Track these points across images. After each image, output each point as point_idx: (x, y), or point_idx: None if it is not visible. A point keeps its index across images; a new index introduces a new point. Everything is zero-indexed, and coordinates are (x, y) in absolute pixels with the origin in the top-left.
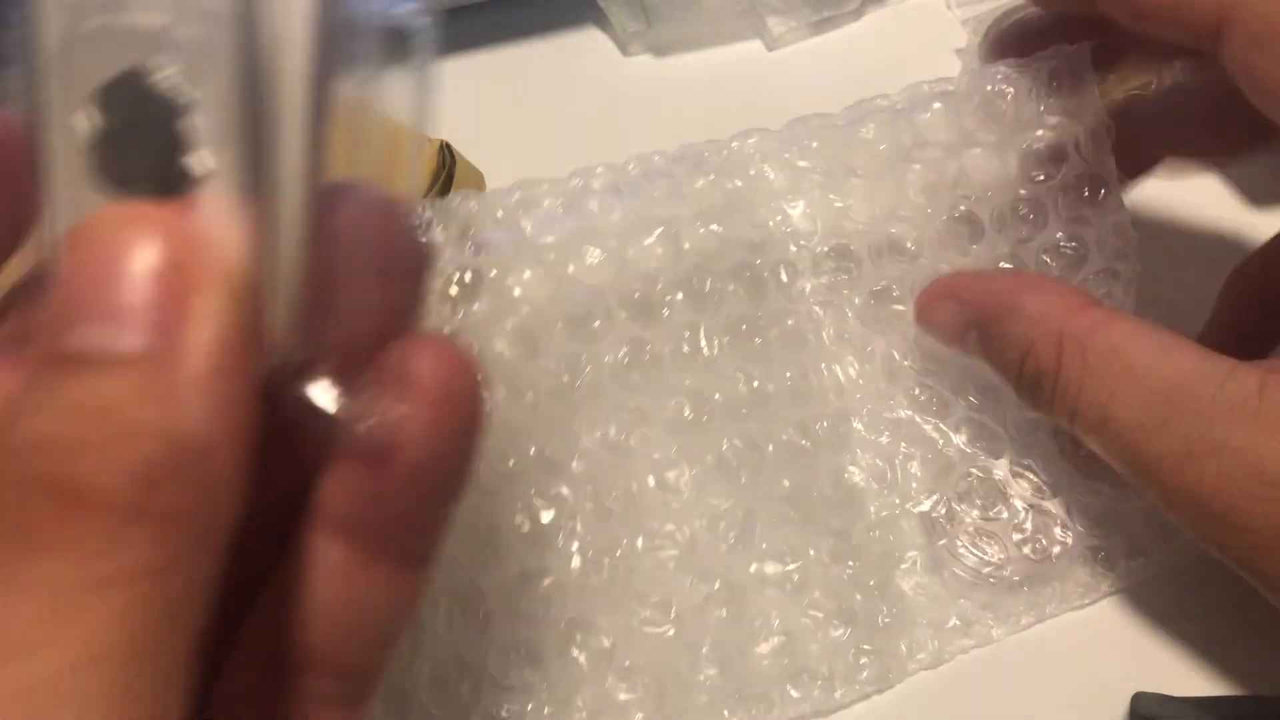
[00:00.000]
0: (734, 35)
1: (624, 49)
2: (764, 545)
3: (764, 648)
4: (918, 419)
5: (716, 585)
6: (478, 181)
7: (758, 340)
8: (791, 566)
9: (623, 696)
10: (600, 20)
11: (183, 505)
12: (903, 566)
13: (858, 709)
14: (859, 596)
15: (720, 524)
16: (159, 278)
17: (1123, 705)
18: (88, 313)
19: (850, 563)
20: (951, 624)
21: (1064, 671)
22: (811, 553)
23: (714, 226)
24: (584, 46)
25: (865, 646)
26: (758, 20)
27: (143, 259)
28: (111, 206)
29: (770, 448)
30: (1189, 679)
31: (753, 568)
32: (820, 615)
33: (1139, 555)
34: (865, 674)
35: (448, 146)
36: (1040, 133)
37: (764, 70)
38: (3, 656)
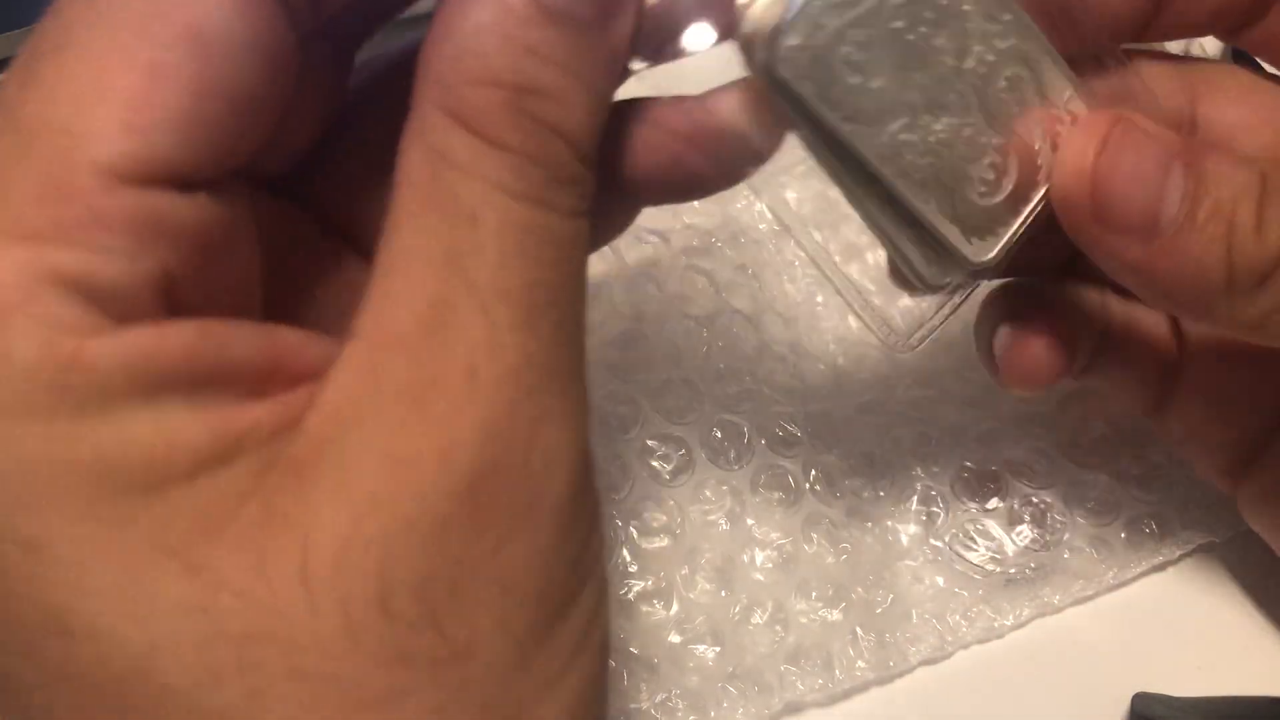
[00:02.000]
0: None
1: None
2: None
3: (760, 628)
4: (911, 414)
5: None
6: None
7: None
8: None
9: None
10: None
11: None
12: (903, 561)
13: (859, 705)
14: (859, 589)
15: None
16: None
17: (1123, 705)
18: None
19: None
20: (952, 617)
21: (1064, 671)
22: (806, 547)
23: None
24: None
25: (861, 632)
26: None
27: None
28: None
29: (763, 441)
30: (1189, 679)
31: (744, 558)
32: (818, 603)
33: (1141, 545)
34: (863, 662)
35: None
36: None
37: None
38: (559, 259)
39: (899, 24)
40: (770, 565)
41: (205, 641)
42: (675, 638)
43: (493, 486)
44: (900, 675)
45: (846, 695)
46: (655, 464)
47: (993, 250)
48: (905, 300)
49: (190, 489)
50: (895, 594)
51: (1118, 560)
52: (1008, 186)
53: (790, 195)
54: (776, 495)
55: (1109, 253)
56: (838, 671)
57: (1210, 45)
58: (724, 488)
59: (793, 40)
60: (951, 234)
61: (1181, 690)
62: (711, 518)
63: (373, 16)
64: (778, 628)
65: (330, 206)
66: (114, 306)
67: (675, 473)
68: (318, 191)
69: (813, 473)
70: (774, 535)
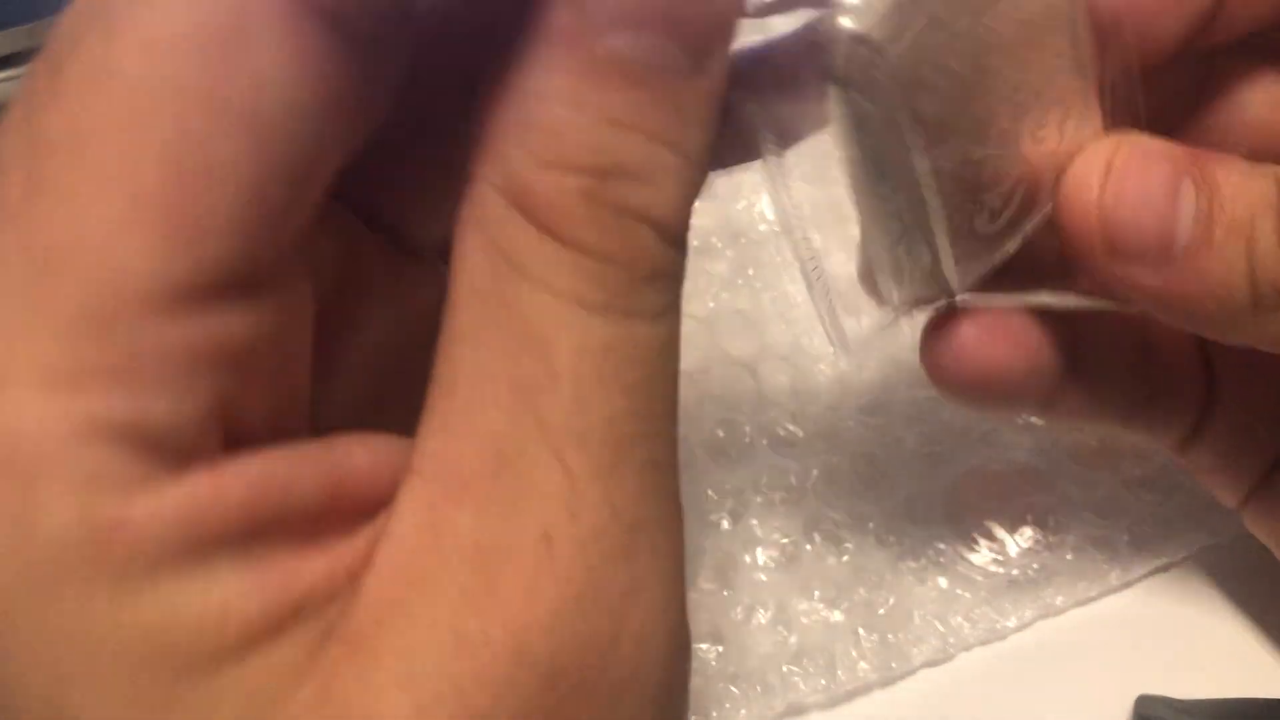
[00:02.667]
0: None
1: None
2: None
3: (762, 628)
4: (913, 415)
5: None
6: None
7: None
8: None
9: None
10: None
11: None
12: (905, 562)
13: (861, 707)
14: (862, 590)
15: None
16: None
17: (1126, 707)
18: (636, 8)
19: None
20: (954, 618)
21: (1067, 673)
22: (808, 548)
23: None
24: None
25: (864, 633)
26: (758, 19)
27: None
28: None
29: (765, 441)
30: (1193, 681)
31: (746, 558)
32: (821, 604)
33: (1144, 546)
34: (865, 663)
35: None
36: None
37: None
38: (649, 380)
39: (974, 50)
40: (772, 565)
41: None
42: None
43: (575, 676)
44: (903, 677)
45: (849, 697)
46: None
47: (972, 276)
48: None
49: (241, 668)
50: (897, 595)
51: (1121, 561)
52: (1006, 217)
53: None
54: (778, 495)
55: (1125, 283)
56: (840, 673)
57: None
58: (726, 487)
59: (900, 47)
60: (946, 257)
61: (1185, 692)
62: (713, 517)
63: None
64: (780, 628)
65: (380, 204)
66: (165, 448)
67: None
68: (368, 189)
69: (814, 473)
70: (776, 535)
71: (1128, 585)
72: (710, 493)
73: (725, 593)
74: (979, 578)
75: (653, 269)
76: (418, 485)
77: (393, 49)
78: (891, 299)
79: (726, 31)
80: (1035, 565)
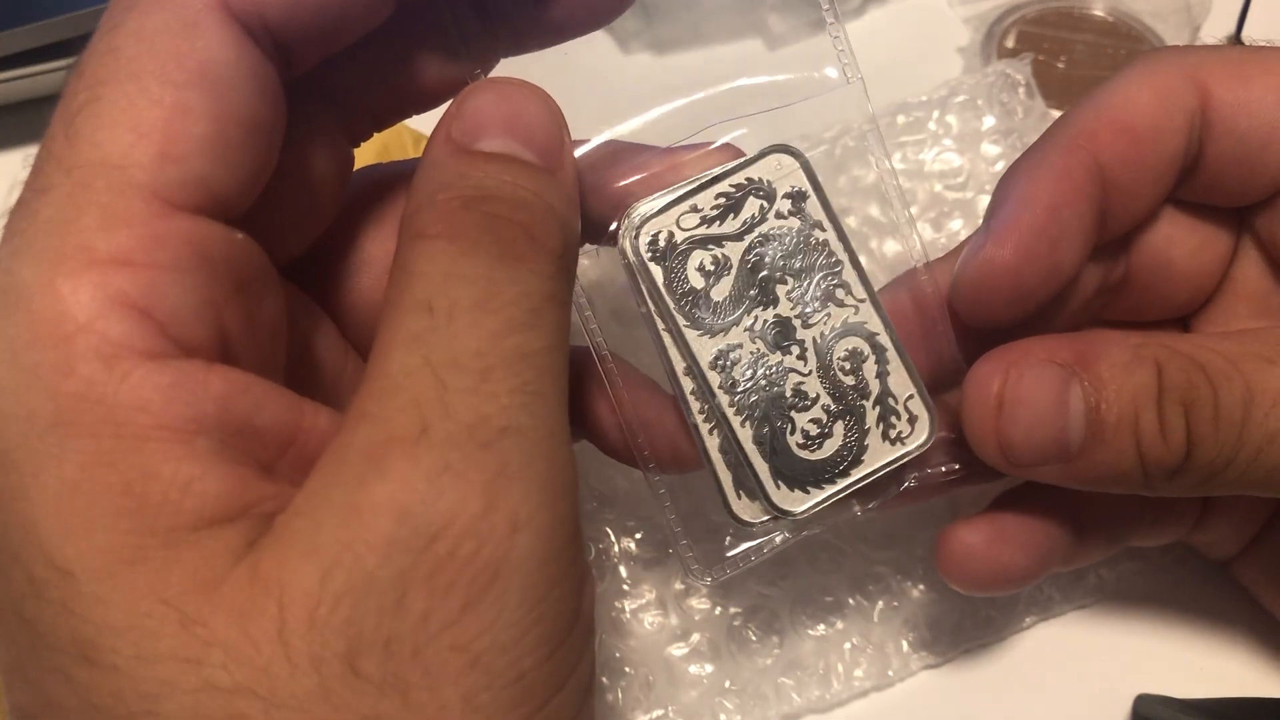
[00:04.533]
0: (734, 33)
1: (624, 46)
2: None
3: (757, 640)
4: None
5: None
6: None
7: None
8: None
9: (609, 697)
10: None
11: (574, 264)
12: (902, 567)
13: (860, 707)
14: (858, 597)
15: None
16: (552, 121)
17: (1125, 707)
18: (495, 128)
19: (846, 562)
20: (952, 621)
21: (1066, 673)
22: (804, 559)
23: None
24: (583, 44)
25: (860, 641)
26: (758, 18)
27: (542, 107)
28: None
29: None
30: (1192, 680)
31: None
32: (816, 613)
33: (1138, 553)
34: (860, 671)
35: None
36: None
37: (765, 68)
38: (512, 328)
39: (757, 263)
40: (767, 577)
41: (198, 691)
42: (672, 653)
43: (451, 544)
44: (900, 681)
45: (845, 702)
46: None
47: (801, 507)
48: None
49: (193, 541)
50: (895, 602)
51: (1120, 568)
52: (829, 450)
53: None
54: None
55: (1036, 479)
56: (835, 683)
57: (1212, 40)
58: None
59: (653, 228)
60: (761, 469)
61: (1184, 691)
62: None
63: (358, 107)
64: (774, 639)
65: (334, 295)
66: (172, 327)
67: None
68: (317, 283)
69: None
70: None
71: (1128, 586)
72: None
73: (718, 609)
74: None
75: (516, 253)
76: (339, 433)
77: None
78: (732, 519)
79: (561, 152)
80: None
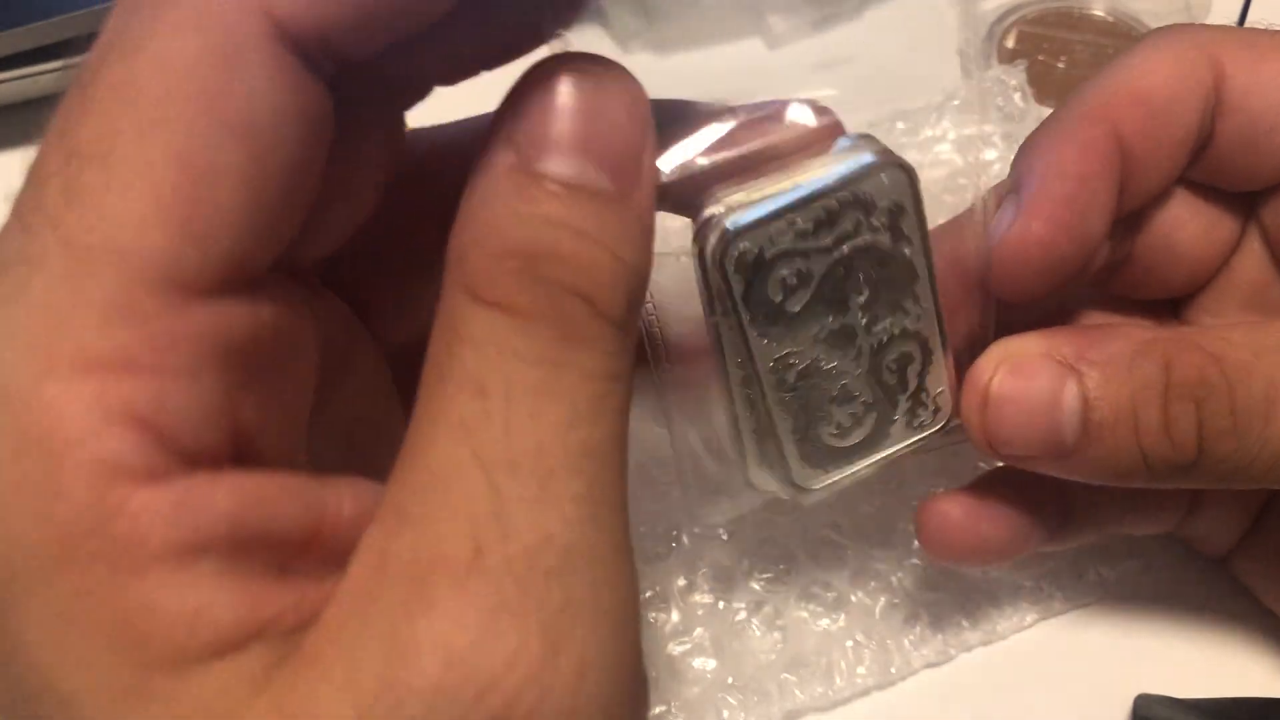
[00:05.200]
0: (735, 33)
1: (624, 46)
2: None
3: (759, 636)
4: None
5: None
6: None
7: None
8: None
9: None
10: (600, 17)
11: (636, 326)
12: (905, 564)
13: (862, 707)
14: (860, 594)
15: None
16: (633, 126)
17: (1125, 707)
18: (563, 145)
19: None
20: (954, 620)
21: (1066, 673)
22: (807, 555)
23: None
24: (583, 43)
25: (863, 639)
26: (759, 18)
27: (622, 105)
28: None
29: None
30: (1192, 680)
31: (744, 565)
32: (819, 610)
33: (1139, 552)
34: (863, 668)
35: None
36: None
37: (765, 68)
38: (575, 419)
39: (839, 275)
40: (769, 574)
41: None
42: (674, 649)
43: (509, 695)
44: (902, 679)
45: (848, 700)
46: (653, 473)
47: (819, 483)
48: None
49: (206, 673)
50: (897, 599)
51: (1120, 568)
52: (856, 438)
53: None
54: (774, 504)
55: (1034, 470)
56: (838, 679)
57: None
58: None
59: (745, 243)
60: (790, 453)
61: (1184, 691)
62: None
63: (410, 82)
64: (777, 635)
65: (371, 296)
66: (178, 440)
67: (670, 483)
68: (359, 279)
69: None
70: (770, 546)
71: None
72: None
73: (721, 604)
74: (979, 577)
75: (580, 334)
76: (374, 528)
77: (362, 86)
78: (746, 478)
79: (639, 167)
80: (1036, 568)
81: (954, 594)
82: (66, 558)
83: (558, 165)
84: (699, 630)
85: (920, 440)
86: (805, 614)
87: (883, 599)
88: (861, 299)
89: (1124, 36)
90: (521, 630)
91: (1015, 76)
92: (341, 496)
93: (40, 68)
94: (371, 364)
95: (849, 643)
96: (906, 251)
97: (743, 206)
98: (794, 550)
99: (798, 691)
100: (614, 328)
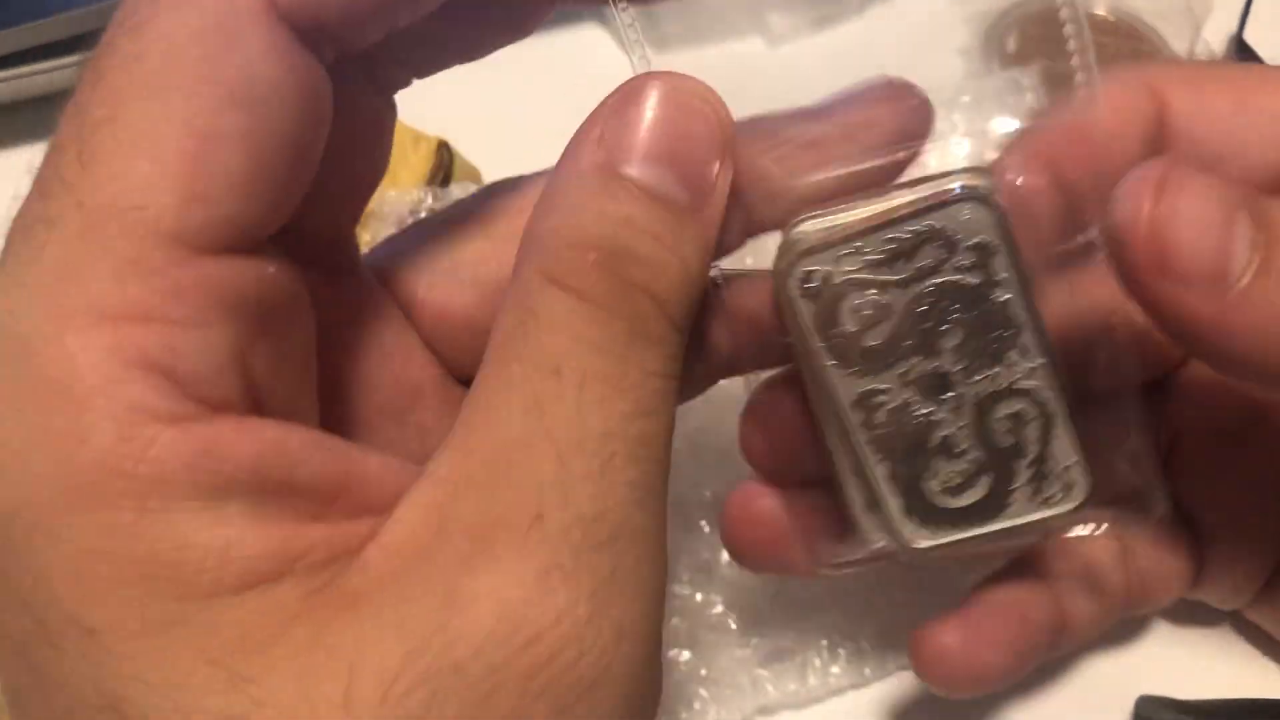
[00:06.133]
0: (735, 31)
1: (625, 46)
2: None
3: (735, 632)
4: None
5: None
6: (475, 179)
7: None
8: None
9: None
10: (600, 17)
11: (689, 331)
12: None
13: (859, 705)
14: (839, 594)
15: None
16: (711, 145)
17: (1127, 708)
18: (648, 154)
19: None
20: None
21: (1066, 674)
22: None
23: None
24: (584, 43)
25: (839, 638)
26: (759, 17)
27: (705, 124)
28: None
29: None
30: (1193, 682)
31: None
32: (796, 607)
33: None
34: (837, 668)
35: (446, 145)
36: None
37: (765, 67)
38: (639, 411)
39: (922, 309)
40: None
41: None
42: None
43: (552, 648)
44: (878, 679)
45: (821, 699)
46: None
47: (929, 543)
48: None
49: (238, 603)
50: (875, 600)
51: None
52: (968, 499)
53: None
54: None
55: (1178, 312)
56: (812, 678)
57: (1214, 42)
58: (706, 493)
59: (810, 265)
60: (892, 505)
61: (1184, 692)
62: (694, 520)
63: (406, 59)
64: (753, 631)
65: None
66: (191, 387)
67: None
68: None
69: None
70: None
71: None
72: (691, 495)
73: (699, 595)
74: (965, 583)
75: (648, 332)
76: (426, 485)
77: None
78: (854, 530)
79: (712, 185)
80: None
81: (931, 600)
82: (93, 496)
83: (641, 171)
84: (675, 620)
85: (1049, 518)
86: (782, 611)
87: (859, 600)
88: (953, 343)
89: (1125, 36)
90: (571, 592)
91: (1028, 76)
92: (367, 456)
93: (40, 66)
94: (409, 358)
95: (824, 641)
96: (1002, 296)
97: (818, 232)
98: None
99: (771, 687)
100: (675, 331)
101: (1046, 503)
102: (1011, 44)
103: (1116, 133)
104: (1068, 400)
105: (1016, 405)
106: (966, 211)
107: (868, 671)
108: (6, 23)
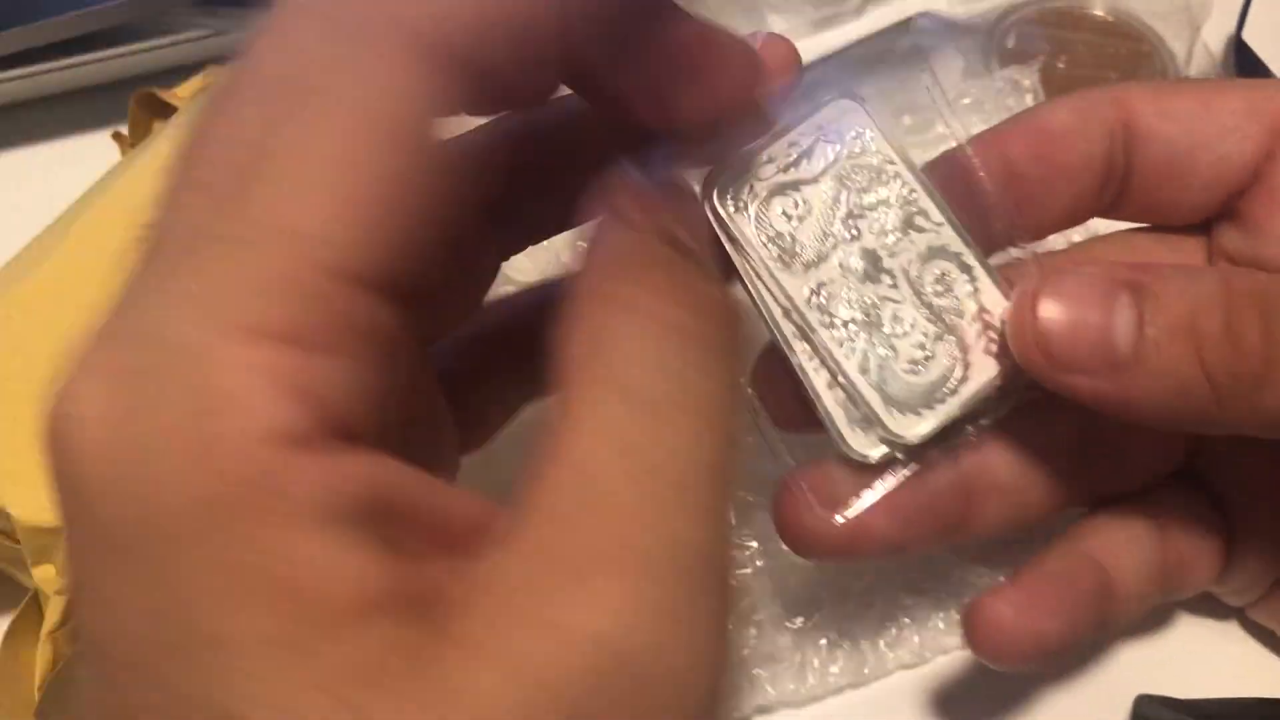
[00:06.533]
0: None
1: None
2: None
3: (733, 630)
4: None
5: None
6: None
7: None
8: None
9: None
10: None
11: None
12: (884, 565)
13: (859, 705)
14: (838, 593)
15: None
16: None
17: (1126, 707)
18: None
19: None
20: (935, 622)
21: (1066, 674)
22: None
23: None
24: None
25: (838, 637)
26: (759, 18)
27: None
28: None
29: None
30: (1192, 681)
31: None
32: (795, 607)
33: None
34: (836, 667)
35: None
36: None
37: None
38: (712, 437)
39: (836, 195)
40: (747, 569)
41: None
42: None
43: (639, 671)
44: (876, 679)
45: (820, 698)
46: None
47: (921, 429)
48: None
49: (354, 633)
50: (873, 600)
51: None
52: (935, 371)
53: None
54: (752, 497)
55: (1086, 396)
56: (810, 678)
57: (1212, 43)
58: None
59: (736, 182)
60: (872, 398)
61: (1184, 691)
62: None
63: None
64: (751, 630)
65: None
66: (335, 415)
67: None
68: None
69: None
70: (751, 539)
71: None
72: None
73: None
74: (960, 582)
75: (717, 352)
76: (519, 520)
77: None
78: (850, 452)
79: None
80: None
81: (934, 596)
82: (230, 509)
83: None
84: None
85: (1010, 368)
86: (780, 610)
87: (858, 599)
88: (869, 222)
89: (1124, 36)
90: (661, 621)
91: (1028, 77)
92: (461, 494)
93: (40, 67)
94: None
95: (823, 641)
96: (893, 169)
97: (732, 160)
98: (773, 546)
99: (769, 687)
100: (735, 352)
101: (1002, 354)
102: (1010, 44)
103: (1075, 129)
104: (978, 252)
105: (939, 265)
106: (839, 109)
107: (867, 671)
108: (5, 25)
